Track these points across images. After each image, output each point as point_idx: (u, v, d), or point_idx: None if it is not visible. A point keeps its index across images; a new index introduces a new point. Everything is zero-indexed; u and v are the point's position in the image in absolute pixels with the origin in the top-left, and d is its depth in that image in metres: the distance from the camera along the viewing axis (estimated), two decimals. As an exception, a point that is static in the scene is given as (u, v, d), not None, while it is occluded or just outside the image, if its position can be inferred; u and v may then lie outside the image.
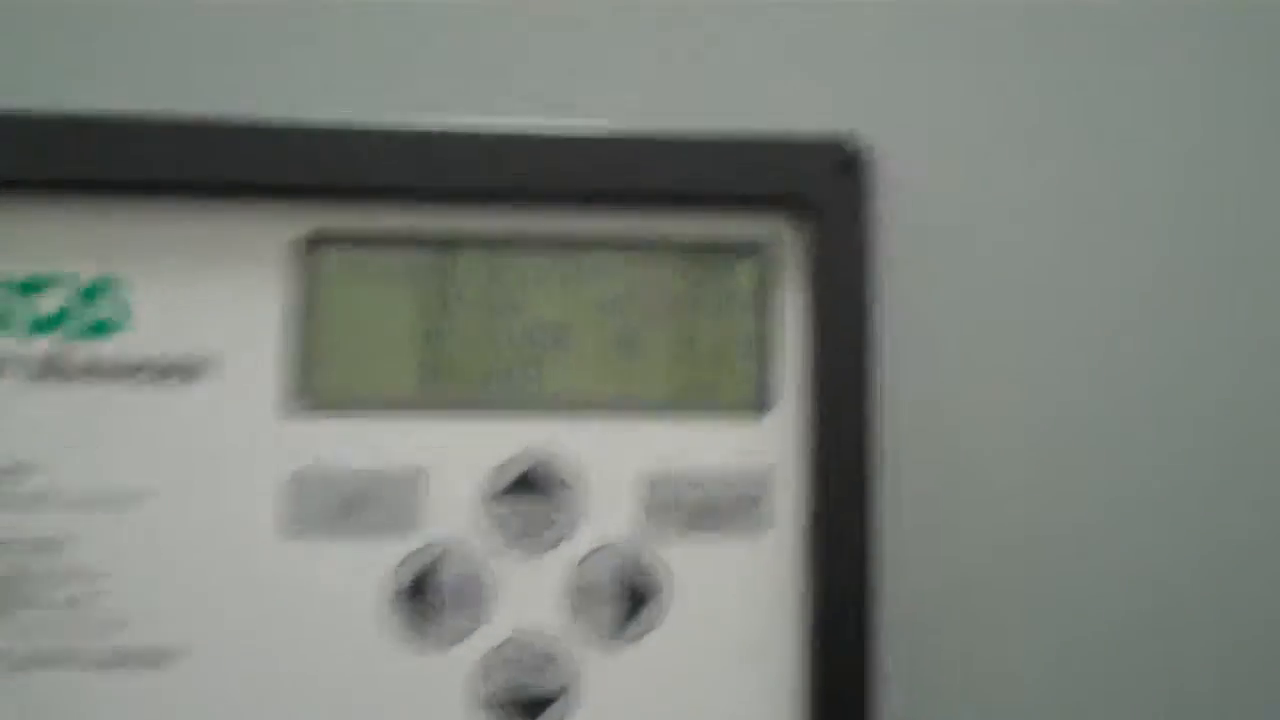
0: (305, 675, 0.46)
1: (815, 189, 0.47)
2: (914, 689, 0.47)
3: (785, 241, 0.48)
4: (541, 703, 0.46)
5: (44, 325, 0.47)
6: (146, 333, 0.47)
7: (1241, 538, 0.48)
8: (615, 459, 0.47)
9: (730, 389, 0.47)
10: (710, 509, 0.47)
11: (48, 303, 0.47)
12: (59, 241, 0.47)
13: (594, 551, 0.47)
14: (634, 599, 0.47)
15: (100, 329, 0.47)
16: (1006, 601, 0.48)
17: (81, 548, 0.46)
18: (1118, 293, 0.49)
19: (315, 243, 0.47)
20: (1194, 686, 0.48)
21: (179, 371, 0.47)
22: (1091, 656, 0.48)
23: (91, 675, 0.46)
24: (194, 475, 0.46)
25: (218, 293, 0.47)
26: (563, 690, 0.46)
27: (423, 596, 0.46)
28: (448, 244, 0.48)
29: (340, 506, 0.46)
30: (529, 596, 0.46)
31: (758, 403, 0.47)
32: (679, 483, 0.47)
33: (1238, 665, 0.48)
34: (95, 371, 0.47)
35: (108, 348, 0.47)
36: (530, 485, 0.47)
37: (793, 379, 0.47)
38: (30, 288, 0.47)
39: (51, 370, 0.47)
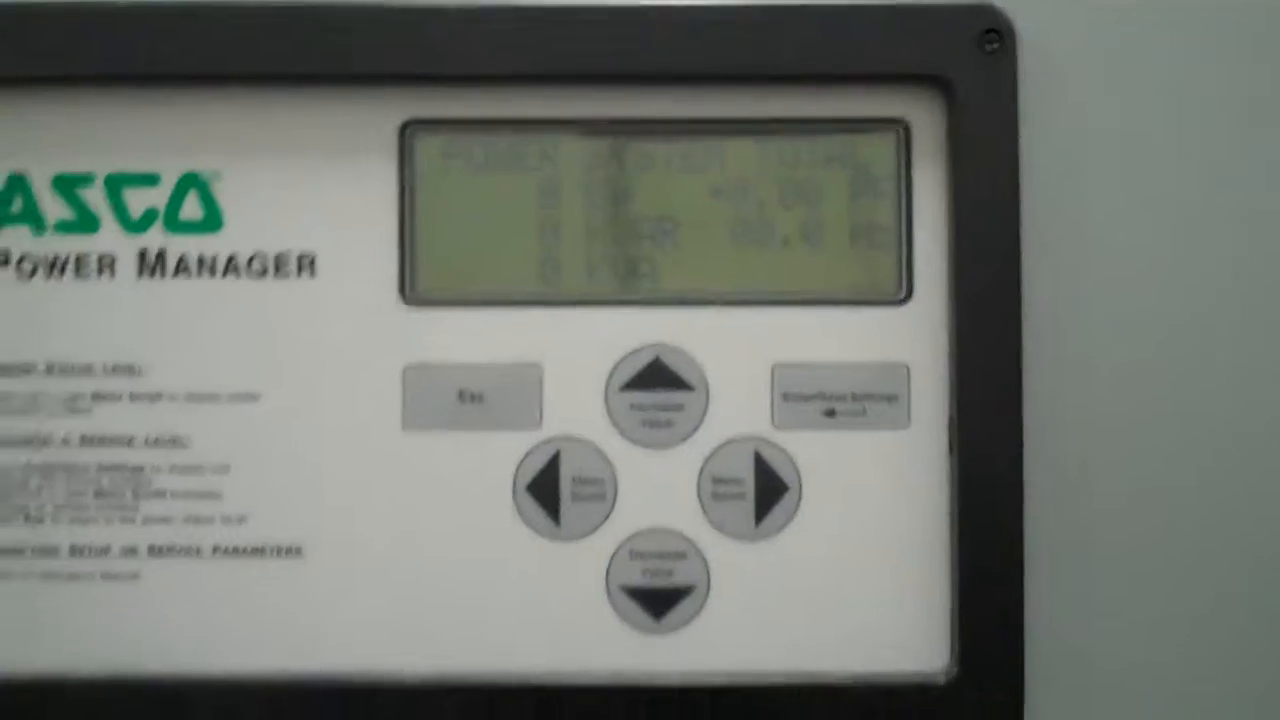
0: (430, 569, 0.45)
1: (956, 63, 0.44)
2: (1060, 586, 0.46)
3: (924, 120, 0.45)
4: (674, 596, 0.45)
5: (139, 224, 0.46)
6: (248, 228, 0.46)
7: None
8: (744, 351, 0.45)
9: (866, 278, 0.46)
10: (846, 402, 0.45)
11: (142, 200, 0.46)
12: (152, 138, 0.46)
13: (723, 445, 0.45)
14: (767, 494, 0.45)
15: (198, 226, 0.46)
16: (1151, 502, 0.46)
17: (199, 445, 0.46)
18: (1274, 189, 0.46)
19: (417, 130, 0.45)
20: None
21: (283, 266, 0.46)
22: (1231, 563, 0.46)
23: (214, 570, 0.45)
24: (307, 371, 0.45)
25: (319, 185, 0.46)
26: (695, 585, 0.45)
27: (549, 490, 0.45)
28: (560, 129, 0.46)
29: (459, 400, 0.45)
30: (658, 491, 0.45)
31: (896, 292, 0.46)
32: (812, 375, 0.45)
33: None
34: (198, 269, 0.46)
35: (209, 244, 0.46)
36: (655, 379, 0.45)
37: (934, 268, 0.45)
38: (124, 184, 0.46)
39: (153, 268, 0.46)
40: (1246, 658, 0.46)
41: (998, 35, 0.44)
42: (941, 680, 0.45)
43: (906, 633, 0.45)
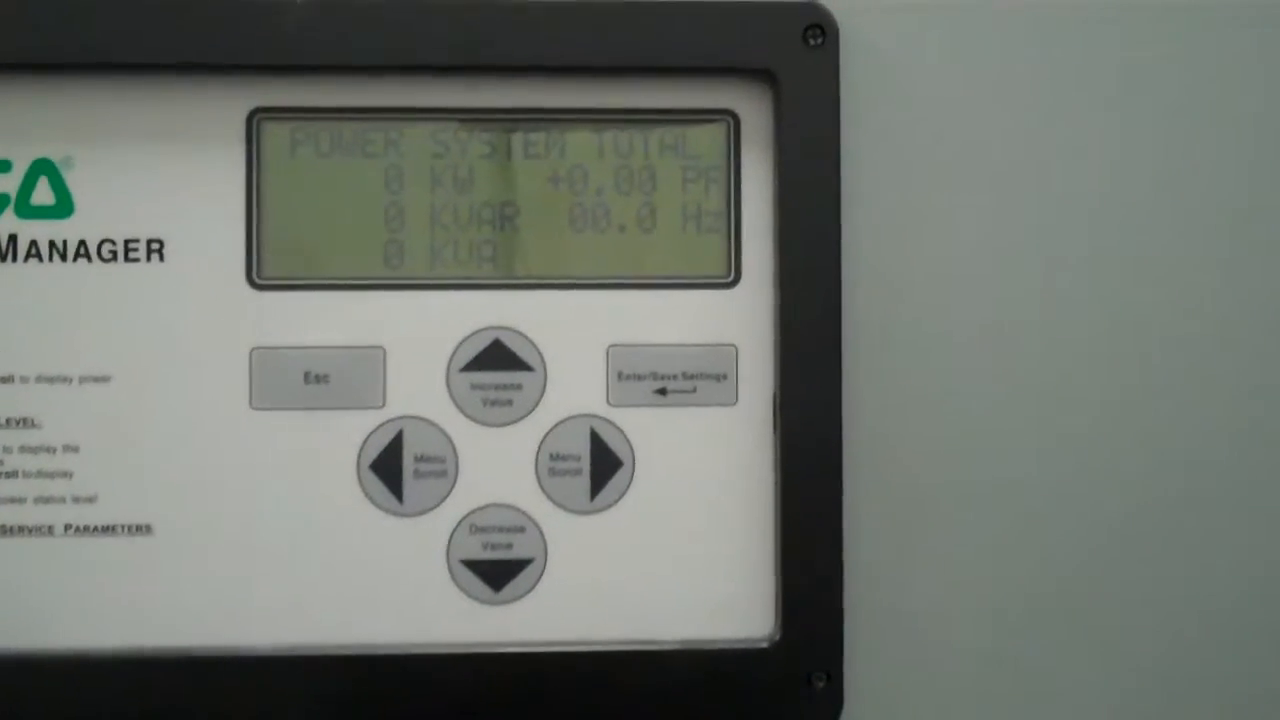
0: (277, 545, 0.46)
1: (782, 58, 0.46)
2: (877, 555, 0.48)
3: (752, 111, 0.47)
4: (513, 568, 0.47)
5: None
6: (98, 214, 0.47)
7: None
8: (581, 332, 0.47)
9: (697, 261, 0.47)
10: (677, 381, 0.47)
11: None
12: (2, 124, 0.46)
13: (561, 423, 0.47)
14: (602, 469, 0.47)
15: (49, 212, 0.47)
16: (961, 473, 0.48)
17: (50, 426, 0.46)
18: (1090, 179, 0.49)
19: (264, 118, 0.47)
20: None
21: (133, 251, 0.46)
22: (1052, 532, 0.49)
23: (66, 548, 0.46)
24: (156, 353, 0.47)
25: (168, 172, 0.47)
26: (533, 557, 0.47)
27: (392, 467, 0.47)
28: (404, 118, 0.47)
29: (305, 381, 0.47)
30: (497, 468, 0.47)
31: (725, 275, 0.47)
32: (645, 355, 0.47)
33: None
34: (49, 254, 0.46)
35: (59, 230, 0.47)
36: (496, 359, 0.47)
37: (761, 252, 0.47)
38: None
39: (4, 253, 0.46)
40: (1055, 616, 0.49)
41: (821, 31, 0.47)
42: (765, 645, 0.46)
43: (733, 601, 0.47)
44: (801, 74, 0.47)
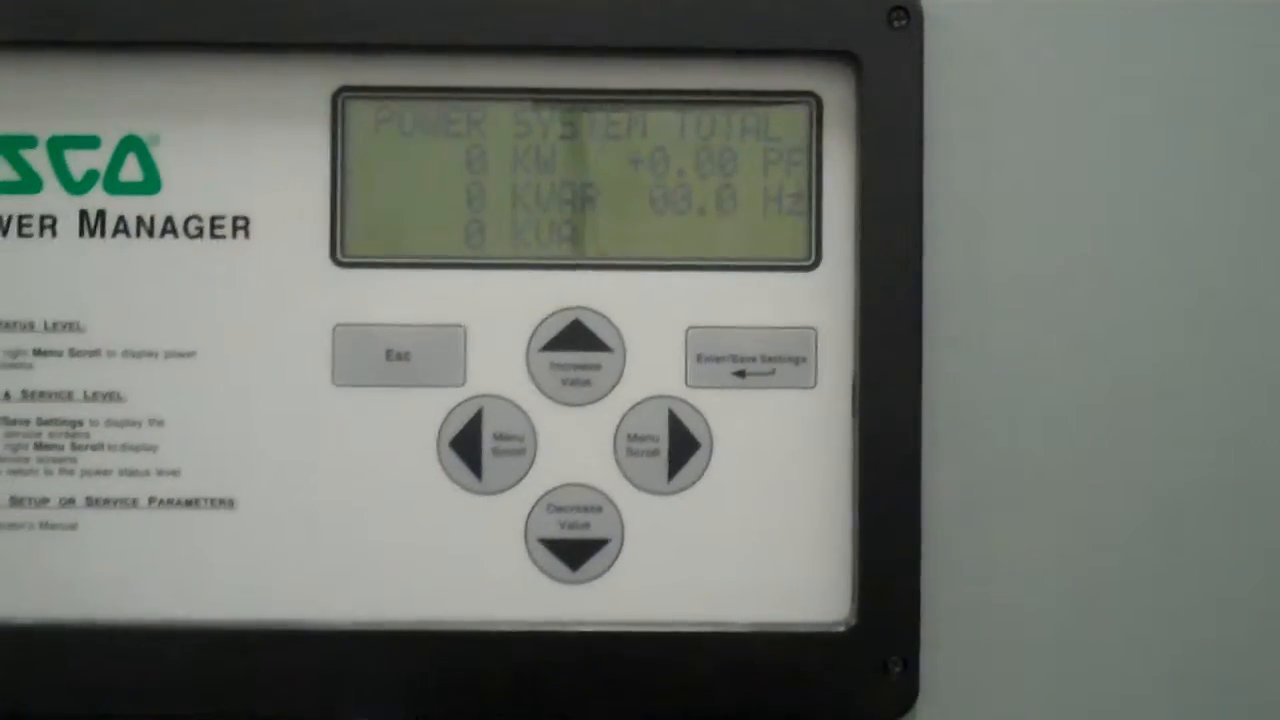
0: (357, 520, 0.47)
1: (865, 40, 0.46)
2: (956, 540, 0.48)
3: (835, 93, 0.47)
4: (590, 548, 0.47)
5: (80, 185, 0.47)
6: (185, 191, 0.47)
7: None
8: (660, 314, 0.47)
9: (777, 244, 0.47)
10: (756, 363, 0.47)
11: (83, 162, 0.47)
12: (93, 102, 0.47)
13: (639, 403, 0.47)
14: (679, 450, 0.47)
15: (137, 188, 0.47)
16: (1044, 457, 0.48)
17: (135, 400, 0.47)
18: (1181, 166, 0.48)
19: (350, 97, 0.47)
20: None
21: (219, 228, 0.47)
22: (1137, 521, 0.48)
23: (150, 521, 0.47)
24: (240, 329, 0.47)
25: (255, 150, 0.47)
26: (610, 537, 0.47)
27: (471, 445, 0.47)
28: (487, 98, 0.47)
29: (386, 358, 0.47)
30: (576, 447, 0.47)
31: (805, 258, 0.47)
32: (724, 337, 0.47)
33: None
34: (136, 229, 0.47)
35: (147, 206, 0.47)
36: (575, 339, 0.47)
37: (841, 235, 0.47)
38: (65, 146, 0.47)
39: (94, 228, 0.47)
40: (1139, 605, 0.48)
41: (905, 13, 0.46)
42: (841, 629, 0.46)
43: (809, 584, 0.47)
44: (885, 56, 0.46)
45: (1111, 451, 0.48)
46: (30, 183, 0.47)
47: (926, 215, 0.47)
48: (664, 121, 0.47)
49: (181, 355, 0.47)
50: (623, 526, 0.47)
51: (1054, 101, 0.48)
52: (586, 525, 0.47)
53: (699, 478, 0.47)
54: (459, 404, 0.47)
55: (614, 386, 0.47)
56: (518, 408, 0.47)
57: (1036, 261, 0.48)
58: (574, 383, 0.47)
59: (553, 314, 0.47)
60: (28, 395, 0.47)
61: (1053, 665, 0.48)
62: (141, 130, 0.47)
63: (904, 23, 0.46)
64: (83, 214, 0.47)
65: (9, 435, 0.47)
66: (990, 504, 0.48)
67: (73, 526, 0.47)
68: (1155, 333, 0.48)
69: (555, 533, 0.47)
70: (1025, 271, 0.48)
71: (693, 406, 0.47)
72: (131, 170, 0.47)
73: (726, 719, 0.46)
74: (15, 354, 0.47)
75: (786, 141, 0.47)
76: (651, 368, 0.47)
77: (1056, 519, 0.48)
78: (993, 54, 0.48)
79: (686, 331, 0.47)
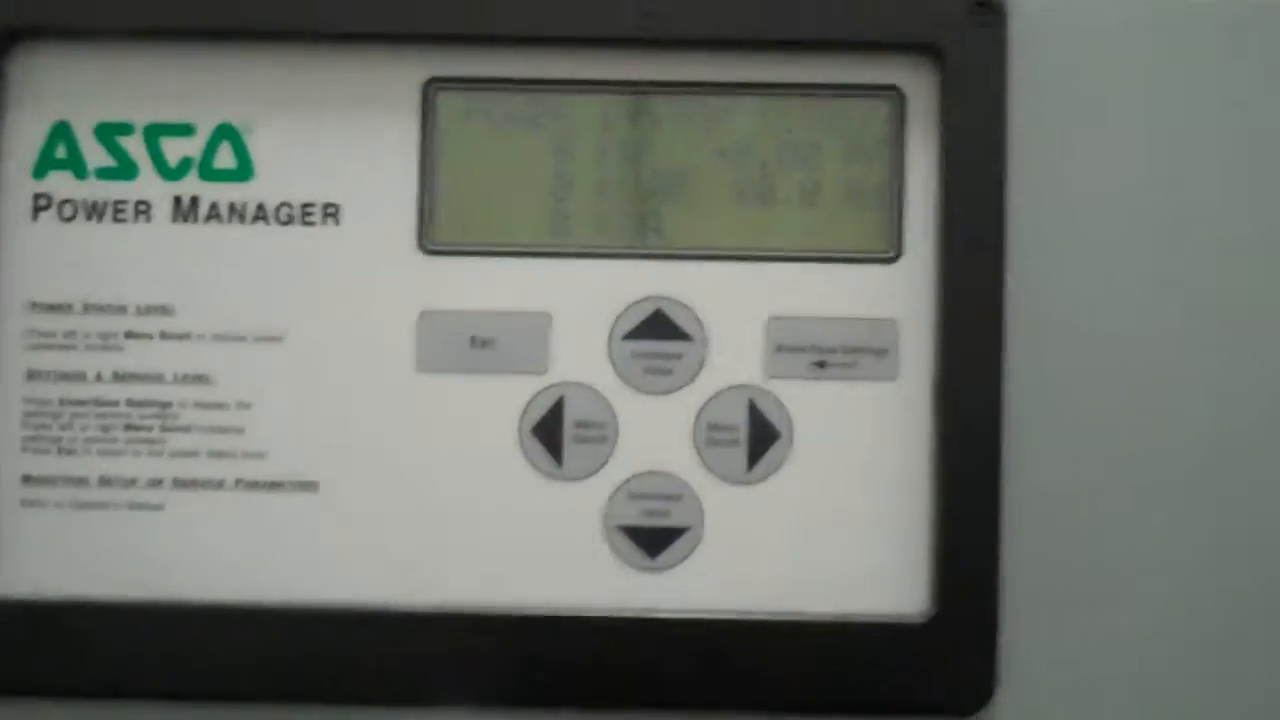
0: (439, 505, 0.47)
1: (949, 33, 0.47)
2: (1036, 532, 0.47)
3: (918, 87, 0.48)
4: (669, 536, 0.47)
5: (175, 172, 0.48)
6: (277, 178, 0.48)
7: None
8: (742, 303, 0.48)
9: (859, 236, 0.48)
10: (837, 355, 0.47)
11: (178, 149, 0.48)
12: (189, 91, 0.48)
13: (719, 393, 0.48)
14: (759, 440, 0.47)
15: (231, 175, 0.48)
16: (1124, 453, 0.48)
17: (224, 383, 0.48)
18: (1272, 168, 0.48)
19: (439, 88, 0.48)
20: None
21: (309, 215, 0.48)
22: (1221, 523, 0.48)
23: (235, 502, 0.48)
24: (328, 314, 0.48)
25: (345, 139, 0.48)
26: (689, 526, 0.47)
27: (552, 432, 0.47)
28: (575, 89, 0.48)
29: (470, 345, 0.48)
30: (656, 436, 0.48)
31: (887, 250, 0.48)
32: (805, 328, 0.47)
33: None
34: (229, 215, 0.48)
35: (239, 192, 0.48)
36: (657, 328, 0.48)
37: (924, 228, 0.47)
38: (161, 134, 0.48)
39: (187, 214, 0.48)
40: (1216, 601, 0.48)
41: (989, 7, 0.47)
42: (919, 621, 0.46)
43: (887, 576, 0.47)
44: (968, 50, 0.47)
45: (1201, 453, 0.48)
46: (126, 169, 0.48)
47: (1010, 208, 0.47)
48: (747, 114, 0.48)
49: (270, 339, 0.48)
50: (702, 515, 0.47)
51: (1140, 95, 0.48)
52: (666, 513, 0.47)
53: (778, 468, 0.47)
54: (541, 391, 0.48)
55: (695, 376, 0.48)
56: (599, 395, 0.48)
57: (1122, 256, 0.48)
58: (655, 371, 0.48)
59: (635, 303, 0.48)
60: (119, 377, 0.48)
61: (1134, 660, 0.48)
62: (235, 119, 0.48)
63: (988, 17, 0.47)
64: (177, 200, 0.48)
65: (100, 416, 0.48)
66: (1071, 498, 0.48)
67: (159, 507, 0.48)
68: (1257, 331, 0.48)
69: (634, 520, 0.47)
70: (1111, 267, 0.48)
71: (773, 396, 0.48)
72: (225, 158, 0.48)
73: (803, 709, 0.46)
74: (107, 336, 0.48)
75: (869, 135, 0.48)
76: (732, 358, 0.48)
77: (1138, 516, 0.48)
78: (1078, 47, 0.48)
79: (767, 322, 0.48)
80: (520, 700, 0.47)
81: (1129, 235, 0.48)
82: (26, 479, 0.48)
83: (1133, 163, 0.48)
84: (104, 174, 0.48)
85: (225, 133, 0.48)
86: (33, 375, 0.48)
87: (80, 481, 0.48)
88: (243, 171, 0.48)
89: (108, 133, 0.48)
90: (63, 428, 0.48)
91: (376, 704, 0.47)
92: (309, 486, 0.48)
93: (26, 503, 0.48)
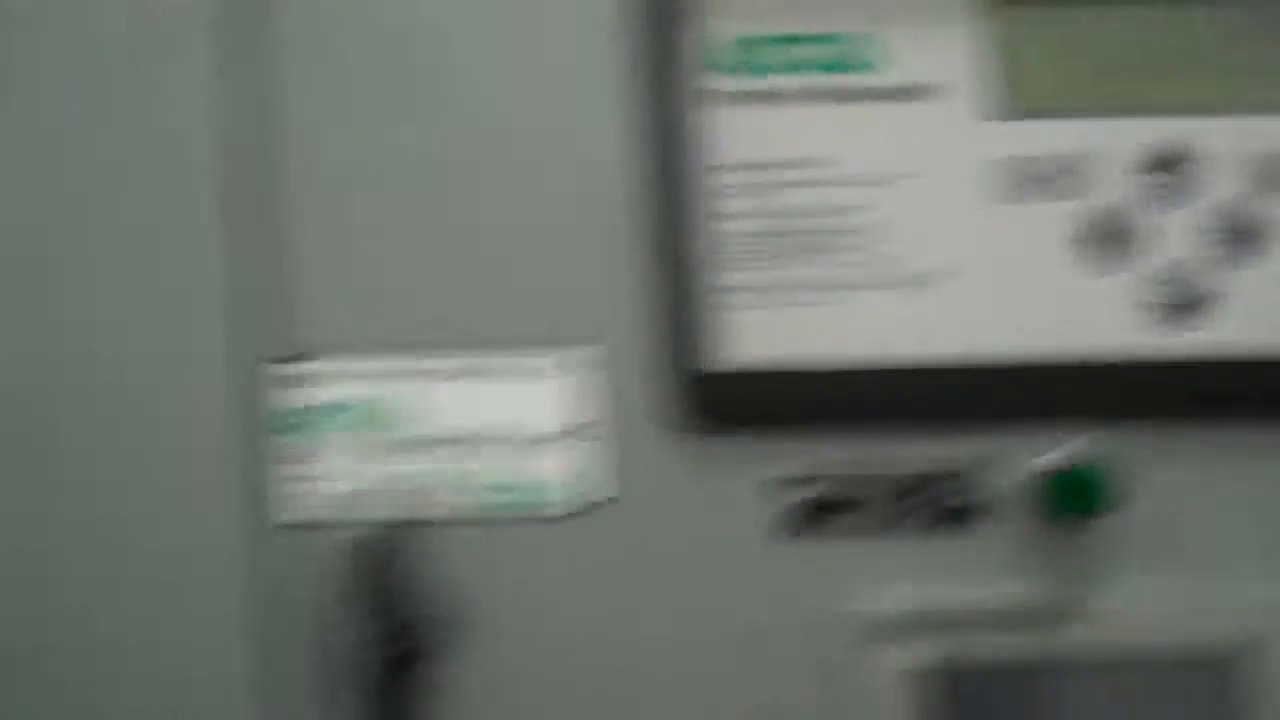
0: (1016, 300, 0.67)
1: None
2: None
3: None
4: (1196, 305, 0.68)
5: (828, 66, 0.69)
6: (894, 67, 0.69)
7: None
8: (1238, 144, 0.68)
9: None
10: None
11: (826, 52, 0.69)
12: (829, 10, 0.69)
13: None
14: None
15: (863, 68, 0.69)
16: None
17: (863, 212, 0.68)
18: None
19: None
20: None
21: (919, 94, 0.69)
22: None
23: (877, 298, 0.68)
24: (931, 161, 0.68)
25: (949, 39, 0.69)
26: (1213, 294, 0.68)
27: (1097, 241, 0.68)
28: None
29: (1035, 180, 0.68)
30: (1178, 239, 0.68)
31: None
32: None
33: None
34: (860, 95, 0.69)
35: (869, 80, 0.69)
36: (1171, 164, 0.68)
37: None
38: (816, 42, 0.69)
39: (832, 96, 0.69)
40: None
41: None
42: None
43: None
44: None
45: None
46: (793, 66, 0.68)
47: None
48: None
49: (890, 179, 0.68)
50: (1222, 289, 0.67)
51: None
52: (1193, 285, 0.67)
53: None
54: (1086, 210, 0.68)
55: (1205, 196, 0.68)
56: (1131, 211, 0.68)
57: None
58: (1174, 190, 0.68)
59: (1158, 142, 0.68)
60: (792, 212, 0.68)
61: None
62: (865, 30, 0.69)
63: None
64: (820, 86, 0.69)
65: (783, 238, 0.68)
66: None
67: (830, 304, 0.67)
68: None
69: (1168, 294, 0.67)
70: None
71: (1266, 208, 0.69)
72: (858, 56, 0.69)
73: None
74: (781, 184, 0.68)
75: None
76: (1229, 185, 0.68)
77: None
78: None
79: (1259, 158, 0.68)
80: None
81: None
82: (738, 288, 0.67)
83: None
84: (776, 69, 0.68)
85: (858, 39, 0.69)
86: (733, 216, 0.68)
87: (771, 287, 0.67)
88: (871, 66, 0.69)
89: (773, 41, 0.69)
90: (757, 250, 0.68)
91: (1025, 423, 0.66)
92: (932, 280, 0.67)
93: (739, 306, 0.67)
